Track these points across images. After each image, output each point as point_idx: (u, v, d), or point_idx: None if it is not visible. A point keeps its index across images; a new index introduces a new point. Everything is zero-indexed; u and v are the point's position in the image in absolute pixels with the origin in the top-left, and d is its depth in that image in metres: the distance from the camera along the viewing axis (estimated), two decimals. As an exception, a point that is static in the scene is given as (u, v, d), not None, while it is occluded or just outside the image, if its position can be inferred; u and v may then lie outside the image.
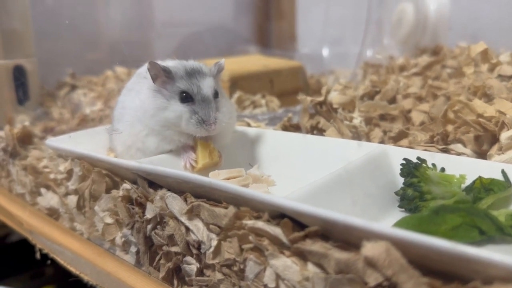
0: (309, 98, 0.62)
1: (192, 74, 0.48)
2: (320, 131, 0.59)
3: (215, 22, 1.40)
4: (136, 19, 1.24)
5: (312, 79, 1.03)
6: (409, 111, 0.60)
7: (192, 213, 0.37)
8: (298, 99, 0.64)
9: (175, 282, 0.40)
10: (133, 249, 0.44)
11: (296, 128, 0.62)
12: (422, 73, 0.73)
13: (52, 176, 0.55)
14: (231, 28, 1.46)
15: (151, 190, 0.42)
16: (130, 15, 1.23)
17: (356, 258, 0.27)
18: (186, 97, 0.47)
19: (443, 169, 0.41)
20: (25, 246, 0.64)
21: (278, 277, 0.31)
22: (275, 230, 0.32)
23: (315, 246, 0.30)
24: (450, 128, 0.50)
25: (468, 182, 0.39)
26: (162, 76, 0.47)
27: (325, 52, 1.27)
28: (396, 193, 0.41)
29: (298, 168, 0.50)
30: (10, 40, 0.82)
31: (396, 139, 0.52)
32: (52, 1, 1.09)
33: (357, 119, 0.58)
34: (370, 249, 0.26)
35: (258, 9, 1.51)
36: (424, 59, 0.77)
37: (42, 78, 0.91)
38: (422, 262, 0.26)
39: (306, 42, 1.43)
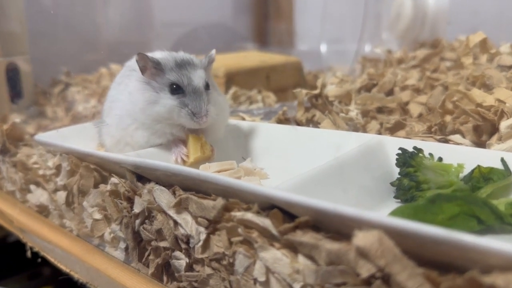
0: (304, 91, 0.60)
1: (182, 65, 0.46)
2: (316, 124, 0.57)
3: (214, 21, 1.39)
4: (135, 19, 1.23)
5: (310, 75, 1.02)
6: (407, 103, 0.58)
7: (180, 206, 0.36)
8: (295, 94, 0.62)
9: (165, 278, 0.39)
10: (122, 245, 0.43)
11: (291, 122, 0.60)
12: (420, 66, 0.72)
13: (41, 172, 0.53)
14: (229, 26, 1.45)
15: (139, 184, 0.41)
16: (129, 15, 1.22)
17: (348, 248, 0.26)
18: (176, 89, 0.45)
19: (440, 159, 0.40)
20: (22, 246, 0.63)
21: (268, 270, 0.30)
22: (265, 222, 0.31)
23: (306, 237, 0.28)
24: (448, 118, 0.49)
25: (466, 171, 0.38)
26: (151, 68, 0.46)
27: (323, 49, 1.26)
28: (392, 184, 0.40)
29: (292, 161, 0.48)
30: (4, 38, 0.81)
31: (392, 130, 0.51)
32: (49, 0, 1.08)
33: (354, 112, 0.57)
34: (361, 238, 0.25)
35: (257, 7, 1.50)
36: (422, 52, 0.76)
37: (38, 77, 0.90)
38: (418, 252, 0.25)
39: (304, 39, 1.42)
